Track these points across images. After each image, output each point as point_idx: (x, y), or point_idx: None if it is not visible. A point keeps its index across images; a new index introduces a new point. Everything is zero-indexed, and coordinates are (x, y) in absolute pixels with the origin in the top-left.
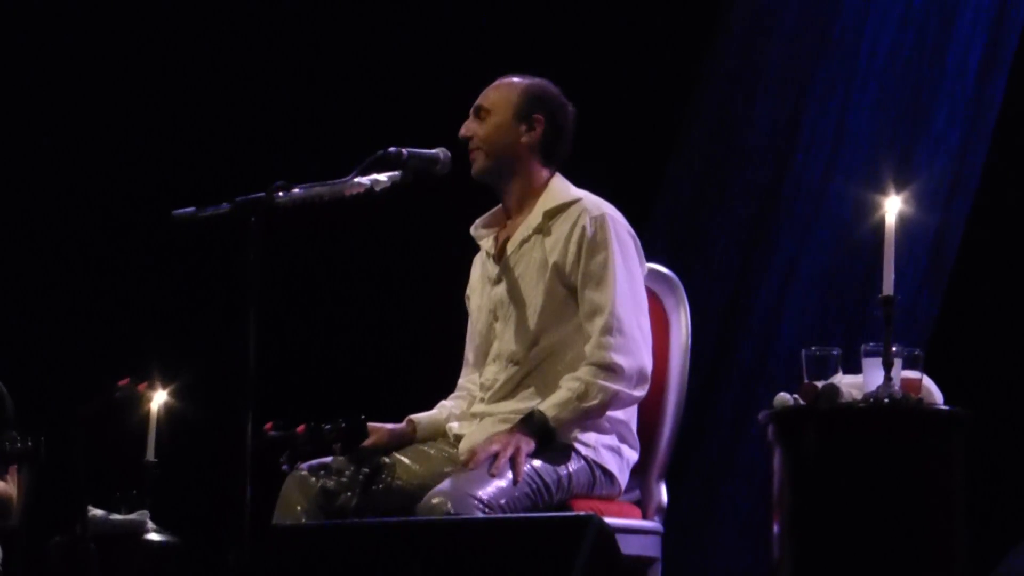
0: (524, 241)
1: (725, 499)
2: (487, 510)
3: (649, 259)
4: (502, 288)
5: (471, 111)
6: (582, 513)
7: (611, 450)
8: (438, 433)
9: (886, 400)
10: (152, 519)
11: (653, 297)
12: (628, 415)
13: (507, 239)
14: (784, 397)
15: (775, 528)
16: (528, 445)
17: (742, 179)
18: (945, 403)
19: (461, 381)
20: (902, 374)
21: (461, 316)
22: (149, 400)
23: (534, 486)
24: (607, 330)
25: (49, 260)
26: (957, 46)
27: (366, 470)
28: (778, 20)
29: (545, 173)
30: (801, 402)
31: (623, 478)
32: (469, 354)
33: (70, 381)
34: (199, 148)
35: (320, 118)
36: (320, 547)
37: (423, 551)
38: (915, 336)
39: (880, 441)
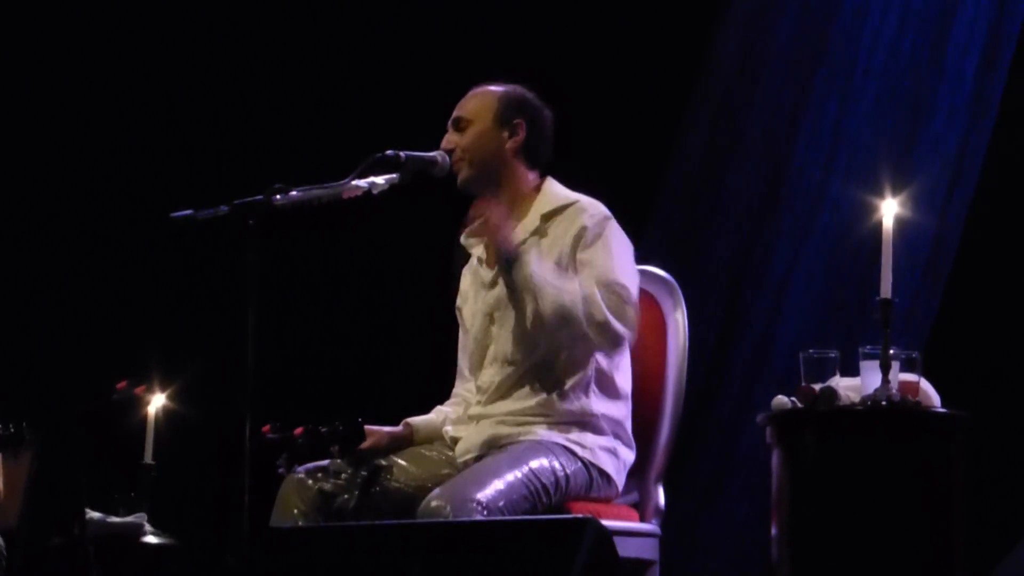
0: (520, 244)
1: (723, 502)
2: (486, 512)
3: (647, 262)
4: (498, 291)
5: (449, 124)
6: (580, 516)
7: (607, 451)
8: (435, 436)
9: (884, 403)
10: (150, 521)
11: (651, 300)
12: (623, 416)
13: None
14: (782, 400)
15: (773, 531)
16: (506, 228)
17: (740, 182)
18: (943, 406)
19: (456, 390)
20: (900, 377)
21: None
22: (147, 402)
23: (532, 488)
24: (600, 284)
25: (48, 262)
26: (955, 48)
27: (364, 473)
28: (776, 22)
29: (532, 177)
30: (799, 405)
31: (620, 479)
32: (463, 364)
33: (69, 383)
34: (198, 150)
35: (318, 120)
36: (317, 549)
37: (421, 553)
38: (913, 339)
39: (878, 444)
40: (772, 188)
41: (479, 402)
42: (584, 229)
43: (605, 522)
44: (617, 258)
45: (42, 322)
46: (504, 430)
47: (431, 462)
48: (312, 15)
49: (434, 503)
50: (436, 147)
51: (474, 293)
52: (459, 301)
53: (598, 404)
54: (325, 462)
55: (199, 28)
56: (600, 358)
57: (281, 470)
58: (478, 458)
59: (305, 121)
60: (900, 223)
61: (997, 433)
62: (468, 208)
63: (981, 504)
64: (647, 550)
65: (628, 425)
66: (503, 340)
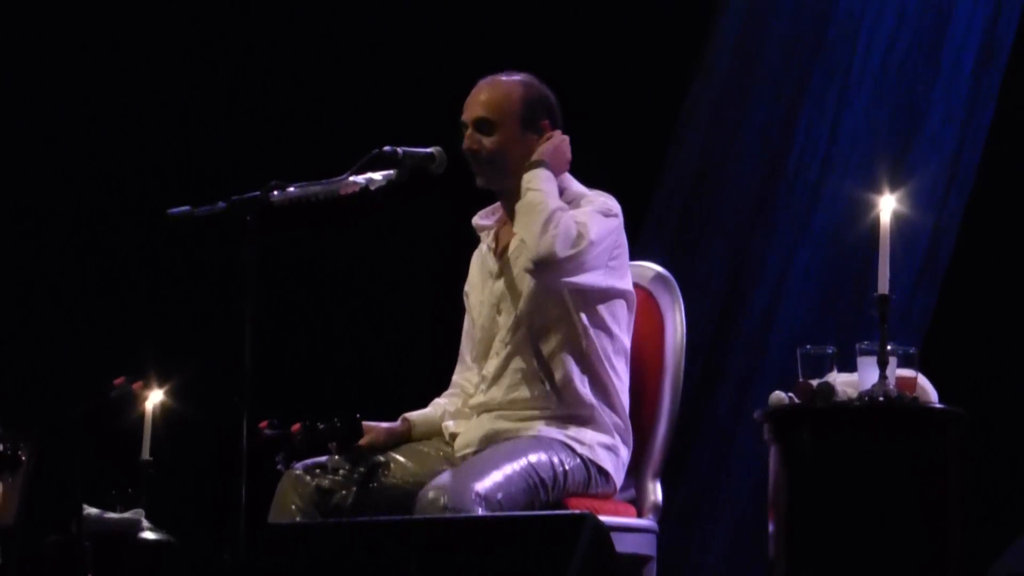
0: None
1: (720, 498)
2: (483, 504)
3: (644, 258)
4: (503, 283)
5: (471, 123)
6: (578, 511)
7: (607, 449)
8: (434, 431)
9: (881, 399)
10: (147, 518)
11: (648, 296)
12: (624, 414)
13: (509, 235)
14: (779, 396)
15: (770, 527)
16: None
17: (737, 178)
18: (940, 401)
19: (455, 378)
20: (897, 373)
21: (456, 314)
22: (145, 399)
23: (531, 482)
24: (582, 235)
25: (44, 259)
26: (952, 45)
27: (361, 469)
28: (773, 19)
29: None
30: (796, 401)
31: (619, 477)
32: (465, 350)
33: (66, 380)
34: (195, 147)
35: (316, 117)
36: (315, 546)
37: (418, 549)
38: (910, 335)
39: (875, 440)
40: (769, 185)
41: (480, 390)
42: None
43: (603, 518)
44: (597, 223)
45: (40, 319)
46: (504, 425)
47: (429, 458)
48: (309, 12)
49: (432, 494)
50: (434, 143)
51: (481, 282)
52: (467, 287)
53: (596, 399)
54: (323, 458)
55: (197, 25)
56: (602, 356)
57: (279, 466)
58: (477, 453)
59: (302, 118)
60: (898, 219)
61: (995, 429)
62: (466, 204)
63: (979, 500)
64: (644, 546)
65: (628, 424)
66: (507, 331)
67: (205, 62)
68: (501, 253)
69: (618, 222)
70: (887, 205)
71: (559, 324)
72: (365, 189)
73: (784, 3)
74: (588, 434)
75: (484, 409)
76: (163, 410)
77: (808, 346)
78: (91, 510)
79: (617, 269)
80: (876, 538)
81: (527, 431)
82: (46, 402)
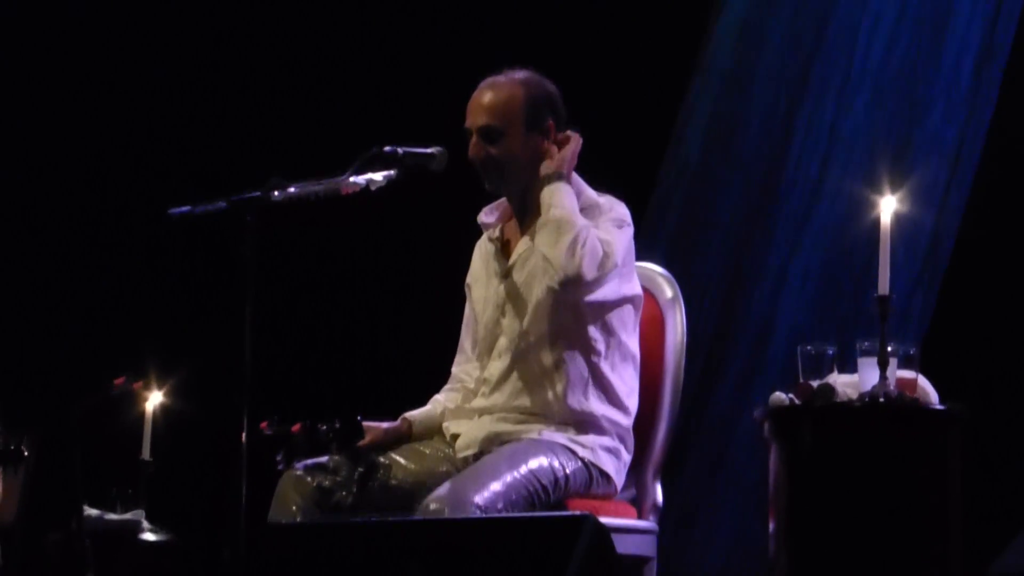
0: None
1: (720, 498)
2: (484, 515)
3: (644, 256)
4: (511, 284)
5: (476, 131)
6: (578, 512)
7: (609, 452)
8: (434, 430)
9: (881, 399)
10: (147, 518)
11: (648, 295)
12: (627, 418)
13: (514, 233)
14: (780, 396)
15: (771, 527)
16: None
17: (737, 178)
18: (940, 402)
19: (455, 370)
20: (897, 373)
21: (456, 314)
22: (145, 399)
23: (532, 488)
24: (608, 253)
25: (45, 258)
26: (952, 44)
27: (362, 469)
28: (773, 18)
29: None
30: (797, 401)
31: (619, 479)
32: (466, 342)
33: (66, 379)
34: (195, 146)
35: (316, 116)
36: (315, 546)
37: (419, 550)
38: (910, 335)
39: (875, 440)
40: (770, 184)
41: (483, 393)
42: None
43: (603, 519)
44: (617, 233)
45: (40, 319)
46: (505, 427)
47: (429, 459)
48: (309, 11)
49: (432, 506)
50: (434, 143)
51: (486, 279)
52: (469, 278)
53: (600, 406)
54: (324, 458)
55: (197, 24)
56: (609, 363)
57: (280, 466)
58: (478, 454)
59: (303, 117)
60: (898, 219)
61: (995, 429)
62: (466, 203)
63: (978, 500)
64: (645, 546)
65: (630, 427)
66: (512, 334)
67: (206, 61)
68: (507, 252)
69: (631, 232)
70: (887, 205)
71: (568, 333)
72: (365, 189)
73: (784, 1)
74: (590, 437)
75: (486, 413)
76: (163, 410)
77: (808, 346)
78: (91, 510)
79: (628, 275)
80: (876, 538)
81: (528, 434)
82: (47, 401)
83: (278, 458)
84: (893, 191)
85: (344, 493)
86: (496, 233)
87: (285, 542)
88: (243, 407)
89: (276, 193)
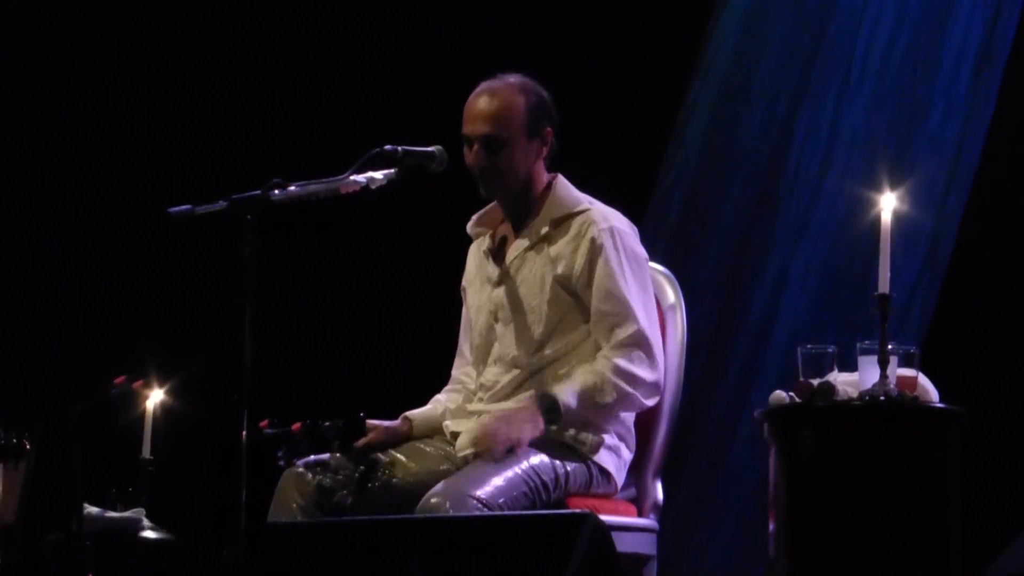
0: (528, 248)
1: (720, 497)
2: (485, 510)
3: None
4: (503, 291)
5: (477, 140)
6: (578, 511)
7: (609, 450)
8: (434, 429)
9: (882, 398)
10: (148, 516)
11: None
12: (628, 415)
13: (505, 239)
14: (780, 395)
15: (771, 526)
16: (536, 426)
17: (738, 177)
18: (941, 401)
19: (455, 372)
20: (898, 372)
21: (456, 314)
22: (145, 398)
23: (532, 485)
24: (634, 343)
25: (45, 258)
26: (952, 45)
27: (362, 468)
28: (773, 19)
29: (546, 176)
30: (797, 400)
31: (620, 477)
32: (464, 346)
33: (66, 379)
34: (195, 145)
35: (316, 116)
36: (316, 545)
37: (420, 548)
38: (911, 334)
39: (876, 439)
40: (770, 183)
41: (480, 399)
42: (592, 245)
43: (603, 517)
44: (634, 299)
45: (40, 318)
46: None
47: (430, 457)
48: (309, 10)
49: (433, 500)
50: (434, 142)
51: (479, 285)
52: (464, 281)
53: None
54: (324, 456)
55: (197, 23)
56: None
57: (281, 462)
58: (478, 453)
59: (303, 116)
60: (898, 218)
61: (995, 428)
62: (465, 202)
63: (979, 499)
64: (645, 545)
65: (631, 425)
66: (507, 342)
67: (206, 61)
68: (499, 257)
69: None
70: (888, 204)
71: (564, 335)
72: (366, 188)
73: (784, 2)
74: (590, 435)
75: (486, 414)
76: (163, 409)
77: (809, 345)
78: (92, 509)
79: (646, 282)
80: (876, 537)
81: None
82: (47, 401)
83: (280, 453)
84: (893, 190)
85: (344, 492)
86: (487, 242)
87: (285, 541)
88: (243, 406)
89: (276, 192)
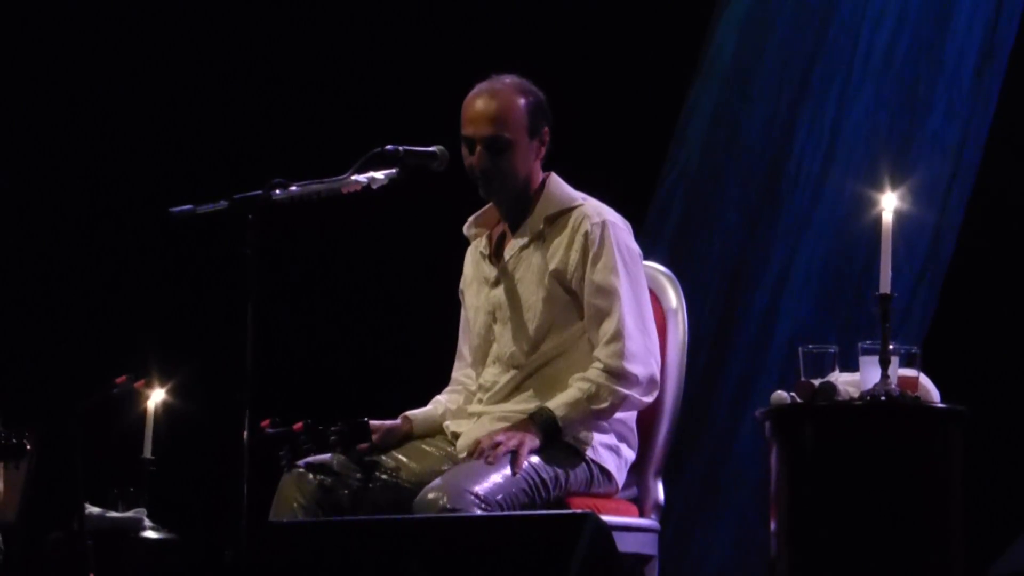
0: (523, 247)
1: (722, 497)
2: (483, 506)
3: (646, 257)
4: (500, 291)
5: (480, 142)
6: (579, 510)
7: (610, 449)
8: (434, 429)
9: (883, 398)
10: (149, 516)
11: (650, 295)
12: (628, 415)
13: (501, 239)
14: (781, 395)
15: (772, 525)
16: (533, 441)
17: (739, 177)
18: (942, 400)
19: (455, 374)
20: (899, 372)
21: (457, 312)
22: (146, 397)
23: (531, 483)
24: (617, 336)
25: (46, 257)
26: (953, 43)
27: (363, 467)
28: (775, 17)
29: (541, 174)
30: (798, 400)
31: (620, 477)
32: (464, 348)
33: (68, 378)
34: (196, 145)
35: (317, 116)
36: (317, 544)
37: (420, 548)
38: (912, 334)
39: (877, 438)
40: (772, 182)
41: (480, 400)
42: (585, 240)
43: (604, 517)
44: (624, 293)
45: (42, 317)
46: (506, 426)
47: (431, 458)
48: (310, 10)
49: (431, 495)
50: (434, 142)
51: (477, 286)
52: (462, 284)
53: None
54: (326, 456)
55: (198, 23)
56: None
57: (283, 462)
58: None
59: (304, 116)
60: (899, 218)
61: (996, 428)
62: (466, 202)
63: (980, 499)
64: (646, 545)
65: (633, 424)
66: (505, 341)
67: (207, 60)
68: (496, 257)
69: (621, 240)
70: (889, 203)
71: (563, 333)
72: (367, 188)
73: (786, 0)
74: (591, 434)
75: (486, 416)
76: (165, 408)
77: (810, 345)
78: (93, 508)
79: (639, 276)
80: (877, 537)
81: None
82: (48, 400)
83: (282, 453)
84: (895, 189)
85: (345, 491)
86: (483, 243)
87: (286, 541)
88: (245, 406)
89: (277, 192)
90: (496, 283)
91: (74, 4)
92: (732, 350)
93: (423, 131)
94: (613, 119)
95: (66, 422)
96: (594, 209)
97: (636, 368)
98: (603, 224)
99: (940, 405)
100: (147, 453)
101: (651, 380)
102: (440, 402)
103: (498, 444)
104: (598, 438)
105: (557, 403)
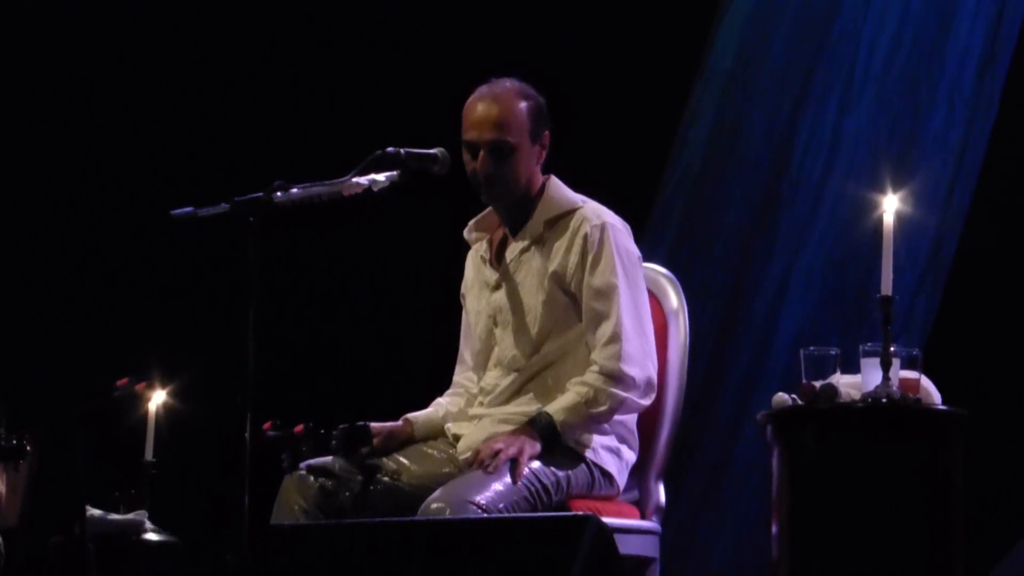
0: (524, 250)
1: (723, 499)
2: (486, 515)
3: (648, 259)
4: (501, 295)
5: (484, 147)
6: (580, 513)
7: (611, 451)
8: (435, 432)
9: (884, 400)
10: (150, 519)
11: (652, 298)
12: (629, 416)
13: (502, 243)
14: (783, 397)
15: (773, 528)
16: (533, 447)
17: (741, 180)
18: (943, 403)
19: (456, 378)
20: (900, 374)
21: (458, 315)
22: (148, 400)
23: (533, 489)
24: (614, 339)
25: (48, 259)
26: (955, 46)
27: (365, 470)
28: (776, 21)
29: (540, 176)
30: (800, 402)
31: (622, 479)
32: (465, 352)
33: (69, 380)
34: (198, 148)
35: (319, 118)
36: (318, 547)
37: (421, 551)
38: (913, 336)
39: (878, 441)
40: (773, 185)
41: (481, 403)
42: (584, 242)
43: (606, 519)
44: (622, 296)
45: (43, 320)
46: (506, 429)
47: (433, 460)
48: (312, 12)
49: (434, 505)
50: (436, 144)
51: (477, 290)
52: (463, 288)
53: None
54: (327, 459)
55: (199, 24)
56: None
57: (284, 465)
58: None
59: (305, 118)
60: (901, 220)
61: (997, 431)
62: (467, 204)
63: (981, 502)
64: (648, 547)
65: (633, 426)
66: (506, 345)
67: (208, 62)
68: (496, 261)
69: (620, 242)
70: (890, 206)
71: (563, 337)
72: (368, 190)
73: (788, 3)
74: (592, 437)
75: (487, 418)
76: (166, 411)
77: (811, 347)
78: (94, 511)
79: (638, 279)
80: (878, 539)
81: None
82: (49, 402)
83: (283, 456)
84: (896, 192)
85: (347, 494)
86: (484, 247)
87: (288, 544)
88: (246, 408)
89: (279, 194)
90: (497, 287)
91: (76, 6)
92: (734, 352)
93: (424, 134)
94: (616, 122)
95: (67, 425)
96: (594, 211)
97: (633, 370)
98: (602, 226)
99: (941, 407)
100: (148, 456)
101: (648, 383)
102: (441, 404)
103: (498, 452)
104: (599, 440)
105: (556, 408)
